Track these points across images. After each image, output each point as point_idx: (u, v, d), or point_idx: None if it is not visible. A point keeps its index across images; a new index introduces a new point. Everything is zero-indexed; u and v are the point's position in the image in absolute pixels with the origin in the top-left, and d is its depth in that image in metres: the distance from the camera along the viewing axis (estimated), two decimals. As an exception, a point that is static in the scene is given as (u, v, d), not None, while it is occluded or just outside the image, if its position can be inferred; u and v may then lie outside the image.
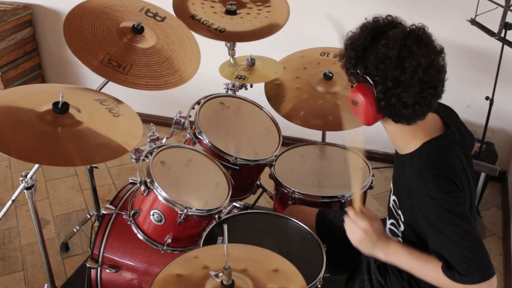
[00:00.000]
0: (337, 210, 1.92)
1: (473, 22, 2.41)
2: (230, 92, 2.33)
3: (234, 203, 1.94)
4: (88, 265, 1.91)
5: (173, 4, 2.29)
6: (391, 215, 1.56)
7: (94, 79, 3.59)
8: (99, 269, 1.92)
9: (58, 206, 2.89)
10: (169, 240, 1.79)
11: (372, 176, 2.09)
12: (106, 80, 2.11)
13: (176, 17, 2.22)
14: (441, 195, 1.29)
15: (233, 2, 2.33)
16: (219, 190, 1.87)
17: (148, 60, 1.96)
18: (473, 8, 2.38)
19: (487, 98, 2.57)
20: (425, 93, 1.29)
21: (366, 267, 1.67)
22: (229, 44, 2.30)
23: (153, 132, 1.91)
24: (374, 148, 3.29)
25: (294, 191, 2.01)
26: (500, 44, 2.40)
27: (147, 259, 1.90)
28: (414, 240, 1.43)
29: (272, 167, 2.12)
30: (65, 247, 2.58)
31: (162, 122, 3.44)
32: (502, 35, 2.34)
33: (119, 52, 1.93)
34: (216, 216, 1.80)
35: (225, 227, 1.26)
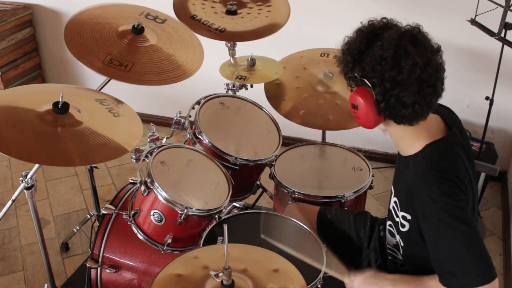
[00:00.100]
0: (338, 208, 1.92)
1: (473, 22, 2.41)
2: (230, 92, 2.33)
3: (234, 203, 1.94)
4: (88, 265, 1.91)
5: (174, 5, 2.29)
6: (390, 217, 1.56)
7: (94, 79, 3.60)
8: (99, 269, 1.92)
9: (58, 206, 2.89)
10: (169, 240, 1.79)
11: (372, 176, 2.09)
12: (107, 80, 2.11)
13: (177, 19, 2.22)
14: (443, 198, 1.29)
15: (234, 2, 2.33)
16: (219, 190, 1.87)
17: (150, 58, 1.96)
18: (473, 8, 2.38)
19: (487, 98, 2.57)
20: (424, 92, 1.29)
21: (367, 267, 1.67)
22: (229, 44, 2.30)
23: (153, 132, 1.91)
24: (374, 148, 3.29)
25: (294, 191, 2.01)
26: (500, 44, 2.40)
27: (147, 259, 1.90)
28: (418, 241, 1.43)
29: (272, 167, 2.12)
30: (65, 247, 2.58)
31: (162, 122, 3.44)
32: (502, 35, 2.34)
33: (120, 52, 1.93)
34: (216, 216, 1.80)
35: (225, 227, 1.26)
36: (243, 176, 2.07)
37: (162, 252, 1.81)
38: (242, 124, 2.18)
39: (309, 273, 1.54)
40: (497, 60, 2.46)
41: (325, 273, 1.59)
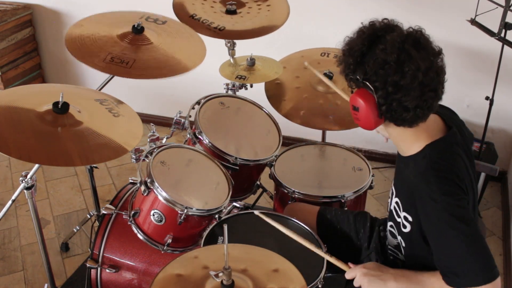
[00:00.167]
0: (338, 208, 1.92)
1: (473, 22, 2.41)
2: (230, 92, 2.33)
3: (234, 203, 1.94)
4: (88, 265, 1.91)
5: (173, 5, 2.29)
6: (391, 218, 1.56)
7: (94, 79, 3.61)
8: (99, 269, 1.92)
9: (58, 206, 2.89)
10: (169, 240, 1.79)
11: (372, 176, 2.09)
12: (107, 80, 2.11)
13: (177, 20, 2.22)
14: (443, 197, 1.29)
15: (233, 2, 2.33)
16: (219, 190, 1.87)
17: (151, 54, 1.97)
18: (473, 8, 2.38)
19: (487, 98, 2.57)
20: (426, 96, 1.29)
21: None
22: (229, 44, 2.30)
23: (153, 132, 1.91)
24: (374, 148, 3.29)
25: (294, 191, 2.01)
26: (500, 44, 2.40)
27: (147, 259, 1.90)
28: (419, 241, 1.43)
29: (272, 167, 2.12)
30: (65, 247, 2.58)
31: (162, 122, 3.43)
32: (502, 35, 2.34)
33: (121, 51, 1.94)
34: (217, 216, 1.80)
35: (225, 227, 1.26)
36: (243, 176, 2.07)
37: (162, 252, 1.81)
38: (242, 124, 2.18)
39: (309, 273, 1.54)
40: (497, 60, 2.46)
41: (326, 272, 1.59)
